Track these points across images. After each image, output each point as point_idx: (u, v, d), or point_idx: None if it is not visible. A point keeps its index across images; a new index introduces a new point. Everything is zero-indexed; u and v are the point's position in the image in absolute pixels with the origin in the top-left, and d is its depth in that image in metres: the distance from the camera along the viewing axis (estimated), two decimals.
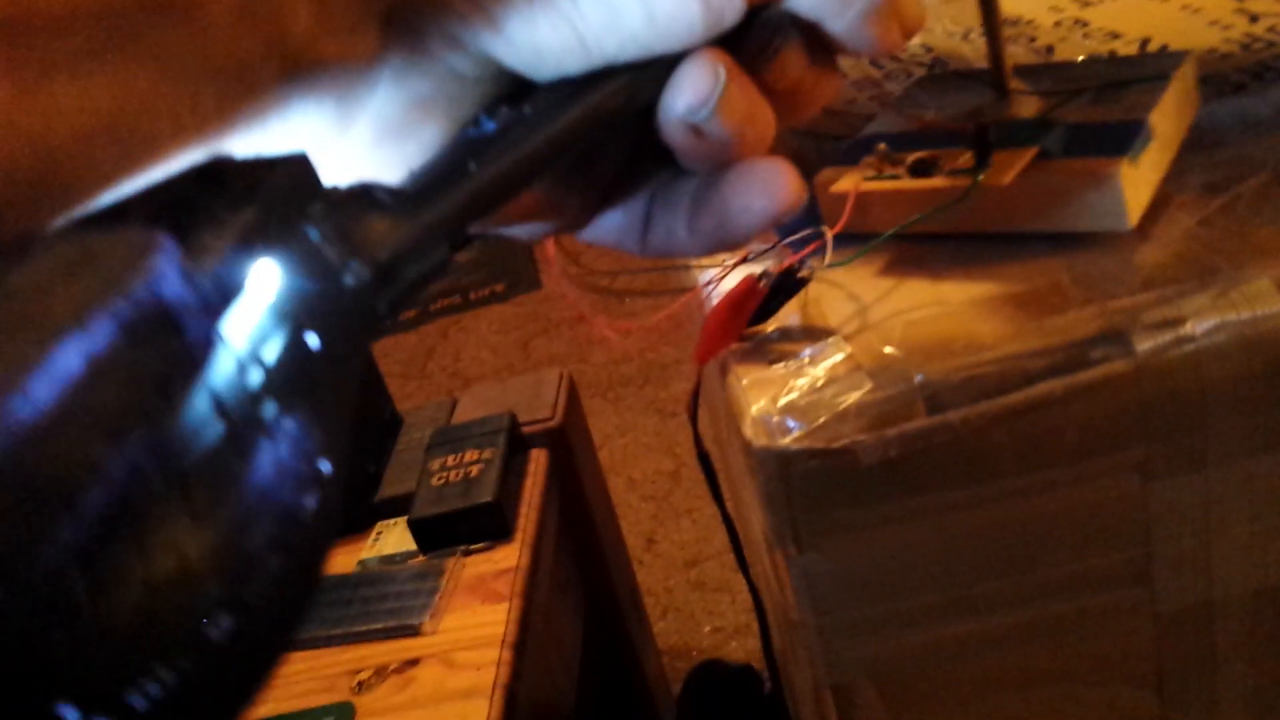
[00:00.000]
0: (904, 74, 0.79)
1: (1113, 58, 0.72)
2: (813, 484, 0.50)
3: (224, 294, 0.19)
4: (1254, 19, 0.76)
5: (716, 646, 1.72)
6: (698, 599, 1.83)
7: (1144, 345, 0.48)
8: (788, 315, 0.55)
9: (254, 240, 0.20)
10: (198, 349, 0.18)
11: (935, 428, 0.48)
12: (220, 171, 0.22)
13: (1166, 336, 0.48)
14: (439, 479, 1.11)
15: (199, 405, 0.17)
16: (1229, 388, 0.49)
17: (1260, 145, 0.59)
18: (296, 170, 0.23)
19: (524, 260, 2.80)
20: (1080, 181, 0.53)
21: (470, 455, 1.13)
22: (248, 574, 0.17)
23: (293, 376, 0.19)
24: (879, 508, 0.51)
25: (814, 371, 0.50)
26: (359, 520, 1.16)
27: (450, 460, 1.13)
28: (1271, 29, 0.73)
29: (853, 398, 0.49)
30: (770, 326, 0.55)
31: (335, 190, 0.23)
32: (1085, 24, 0.84)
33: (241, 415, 0.18)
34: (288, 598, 0.18)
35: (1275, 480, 0.52)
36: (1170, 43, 0.76)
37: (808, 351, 0.51)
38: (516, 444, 1.19)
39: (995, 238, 0.56)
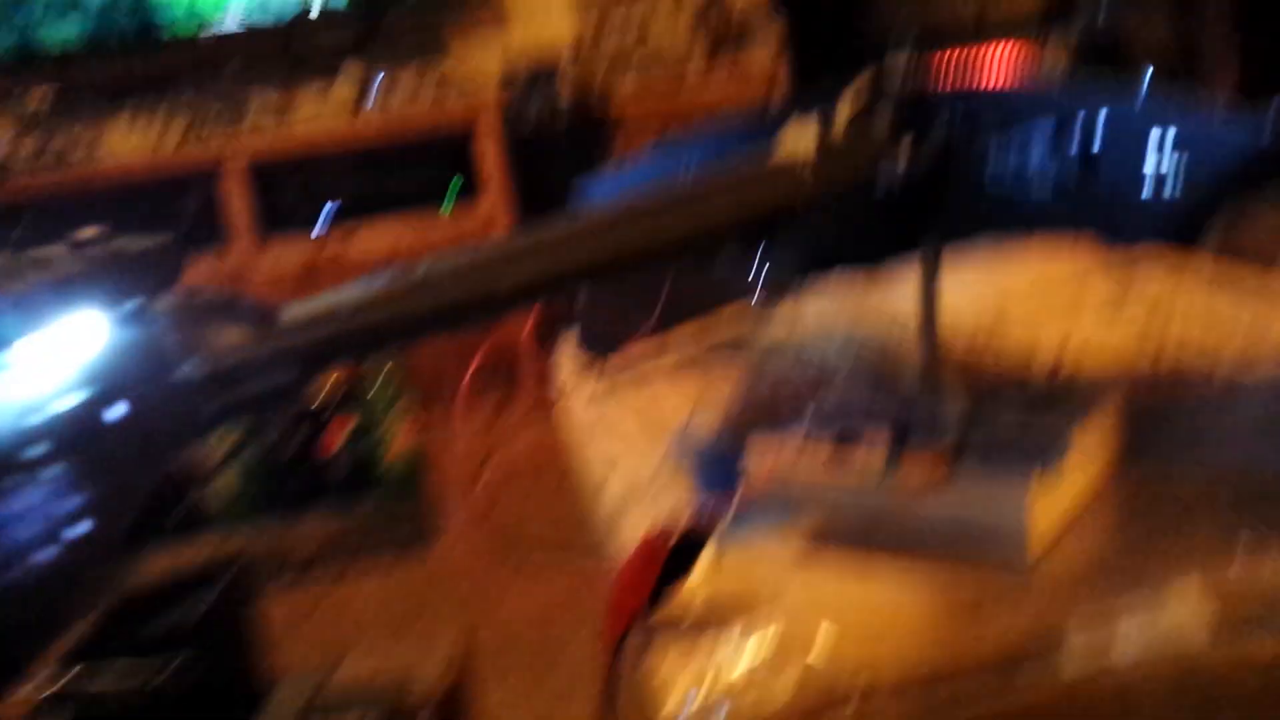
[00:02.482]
0: (831, 359, 0.81)
1: (1044, 383, 0.73)
2: None
3: (17, 327, 0.21)
4: (1166, 332, 0.79)
5: None
6: None
7: (1073, 661, 0.47)
8: (709, 592, 0.53)
9: (83, 295, 0.22)
10: None
11: None
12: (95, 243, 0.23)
13: (1095, 653, 0.47)
14: None
15: None
16: (1157, 709, 0.47)
17: (1181, 457, 0.60)
18: (164, 257, 0.25)
19: (422, 517, 2.73)
20: (987, 500, 0.53)
21: None
22: None
23: (80, 435, 0.20)
24: None
25: (738, 659, 0.47)
26: None
27: None
28: (1184, 344, 0.76)
29: (779, 691, 0.45)
30: (690, 601, 0.52)
31: (202, 290, 0.24)
32: (1004, 325, 0.86)
33: (3, 447, 0.19)
34: None
35: None
36: (1086, 349, 0.78)
37: (731, 635, 0.48)
38: (399, 715, 1.11)
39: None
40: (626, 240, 0.38)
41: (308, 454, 2.80)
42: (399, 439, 2.79)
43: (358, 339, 0.26)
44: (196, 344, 0.22)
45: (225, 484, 2.81)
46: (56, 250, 0.23)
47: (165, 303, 0.23)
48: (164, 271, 0.24)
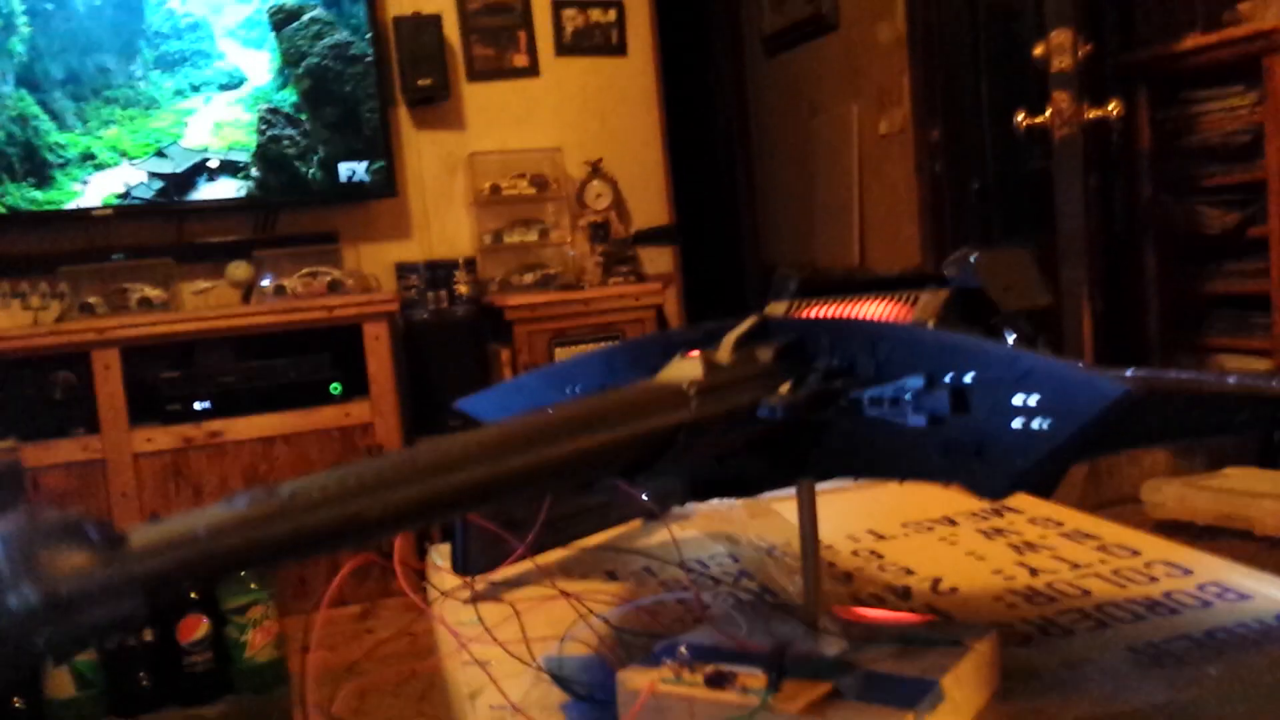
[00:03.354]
0: (711, 581, 0.80)
1: (918, 623, 0.74)
2: None
3: None
4: (1034, 573, 0.80)
5: None
6: None
7: None
8: None
9: None
10: None
11: None
12: None
13: None
14: None
15: None
16: None
17: (1049, 699, 0.60)
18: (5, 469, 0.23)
19: None
20: None
21: None
22: None
23: None
24: None
25: None
26: None
27: None
28: (1050, 585, 0.78)
29: None
30: None
31: (45, 517, 0.23)
32: (880, 556, 0.87)
33: None
34: None
35: None
36: (959, 585, 0.79)
37: None
38: None
39: None
40: (507, 465, 0.37)
41: (161, 649, 2.65)
42: (259, 638, 2.66)
43: (212, 565, 0.24)
44: (32, 568, 0.20)
45: (70, 678, 2.62)
46: None
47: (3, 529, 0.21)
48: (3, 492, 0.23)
